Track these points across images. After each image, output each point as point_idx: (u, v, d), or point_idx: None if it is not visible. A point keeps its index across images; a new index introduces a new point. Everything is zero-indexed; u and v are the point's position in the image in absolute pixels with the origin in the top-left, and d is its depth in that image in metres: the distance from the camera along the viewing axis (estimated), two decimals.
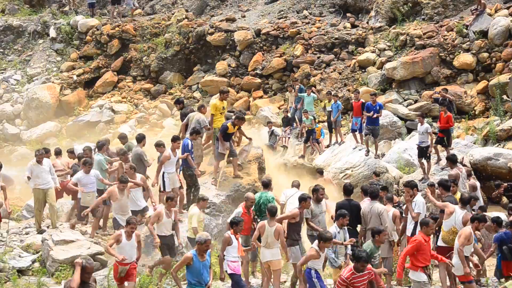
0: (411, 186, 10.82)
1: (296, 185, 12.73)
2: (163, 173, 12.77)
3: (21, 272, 11.55)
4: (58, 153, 15.53)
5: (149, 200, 12.97)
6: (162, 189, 12.85)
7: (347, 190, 10.93)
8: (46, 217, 14.32)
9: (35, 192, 13.17)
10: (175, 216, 11.14)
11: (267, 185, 11.58)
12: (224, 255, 9.56)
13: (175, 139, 13.19)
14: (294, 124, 20.72)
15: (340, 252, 9.78)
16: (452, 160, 13.48)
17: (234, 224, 9.62)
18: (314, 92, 20.83)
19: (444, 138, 15.93)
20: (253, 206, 11.24)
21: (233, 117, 13.99)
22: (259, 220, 11.03)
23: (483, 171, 16.57)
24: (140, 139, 14.08)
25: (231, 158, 14.14)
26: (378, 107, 16.88)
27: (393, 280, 10.24)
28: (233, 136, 14.48)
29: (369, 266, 8.40)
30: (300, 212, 10.22)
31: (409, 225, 10.66)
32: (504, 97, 20.24)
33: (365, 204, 10.78)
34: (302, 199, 10.23)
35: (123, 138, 15.54)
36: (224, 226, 13.18)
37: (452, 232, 9.85)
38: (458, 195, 10.91)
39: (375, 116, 16.76)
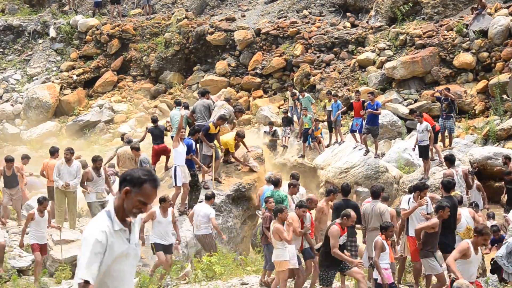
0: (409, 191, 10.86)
1: (297, 177, 12.71)
2: (175, 167, 12.67)
3: (21, 272, 11.57)
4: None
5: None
6: (174, 184, 12.77)
7: (345, 190, 10.87)
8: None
9: (56, 192, 13.19)
10: (172, 216, 11.11)
11: (276, 183, 11.56)
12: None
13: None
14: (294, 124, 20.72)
15: None
16: (449, 160, 13.47)
17: (384, 229, 9.20)
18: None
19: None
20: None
21: (216, 118, 13.96)
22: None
23: (483, 170, 16.55)
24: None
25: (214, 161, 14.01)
26: (376, 106, 16.87)
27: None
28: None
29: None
30: (439, 221, 9.54)
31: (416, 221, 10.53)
32: (504, 96, 20.23)
33: (367, 203, 10.75)
34: (440, 208, 9.55)
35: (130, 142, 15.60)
36: (224, 226, 13.23)
37: None
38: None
39: (373, 111, 16.74)
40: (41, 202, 11.15)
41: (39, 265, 10.98)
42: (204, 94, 15.71)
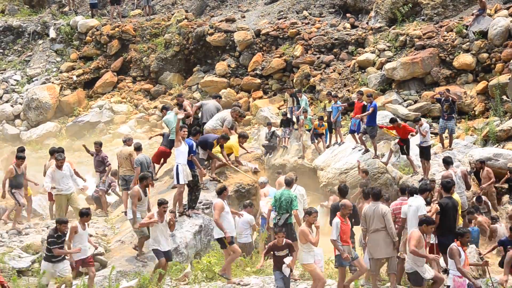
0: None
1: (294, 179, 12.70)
2: (177, 165, 12.66)
3: (21, 272, 11.56)
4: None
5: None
6: (176, 182, 12.75)
7: (342, 191, 10.87)
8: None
9: (57, 199, 13.02)
10: (171, 220, 11.00)
11: (289, 183, 11.58)
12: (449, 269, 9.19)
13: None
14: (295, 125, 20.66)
15: None
16: (446, 162, 13.49)
17: (460, 236, 9.20)
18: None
19: (404, 146, 16.47)
20: (274, 202, 11.29)
21: (219, 136, 14.18)
22: (278, 217, 11.14)
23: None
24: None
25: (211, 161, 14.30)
26: (369, 106, 16.92)
27: None
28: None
29: None
30: None
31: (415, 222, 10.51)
32: (504, 97, 20.23)
33: (368, 205, 10.71)
34: None
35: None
36: None
37: None
38: (454, 196, 10.91)
39: (362, 116, 16.89)
40: (87, 214, 10.57)
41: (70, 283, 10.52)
42: (216, 97, 16.54)
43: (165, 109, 16.82)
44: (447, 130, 17.58)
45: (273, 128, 20.11)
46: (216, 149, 14.30)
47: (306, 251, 9.57)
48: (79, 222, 10.52)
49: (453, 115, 17.64)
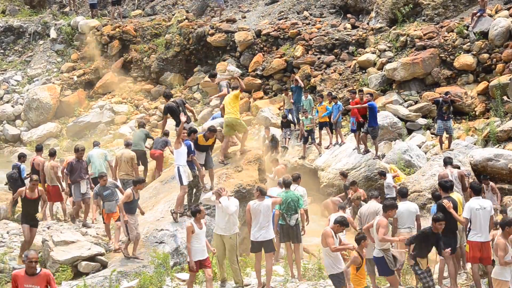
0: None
1: (295, 177, 12.66)
2: (178, 167, 12.61)
3: None
4: (52, 154, 15.38)
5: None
6: (180, 184, 12.69)
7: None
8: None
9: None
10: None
11: (288, 184, 11.53)
12: None
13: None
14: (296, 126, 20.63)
15: None
16: (444, 162, 13.45)
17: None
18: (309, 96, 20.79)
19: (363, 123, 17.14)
20: (279, 206, 11.19)
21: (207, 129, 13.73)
22: (289, 218, 11.09)
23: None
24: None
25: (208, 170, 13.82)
26: (367, 105, 16.89)
27: None
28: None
29: None
30: None
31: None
32: (505, 98, 20.22)
33: (364, 204, 10.75)
34: None
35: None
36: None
37: None
38: (454, 195, 10.90)
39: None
40: (199, 211, 10.02)
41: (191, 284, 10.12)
42: None
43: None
44: (445, 131, 17.55)
45: (272, 133, 19.98)
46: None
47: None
48: (194, 221, 10.00)
49: (451, 115, 17.62)
